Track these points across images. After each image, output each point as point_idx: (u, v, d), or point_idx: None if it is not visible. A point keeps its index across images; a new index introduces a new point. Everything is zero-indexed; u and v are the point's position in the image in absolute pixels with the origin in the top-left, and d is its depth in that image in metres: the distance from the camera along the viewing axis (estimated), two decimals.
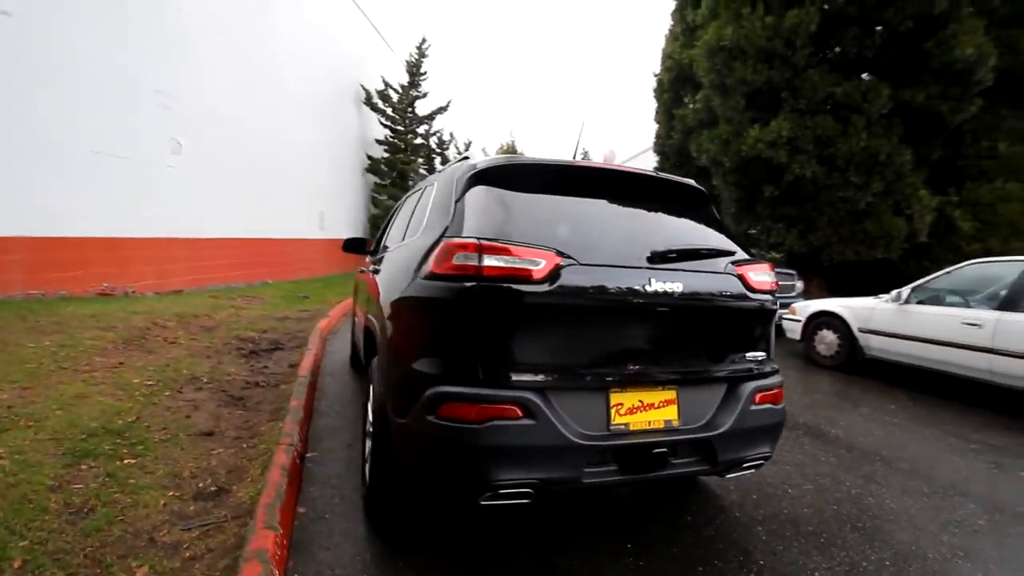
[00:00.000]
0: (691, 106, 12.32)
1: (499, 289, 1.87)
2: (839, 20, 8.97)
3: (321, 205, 13.35)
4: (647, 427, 2.05)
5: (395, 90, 15.51)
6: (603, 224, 2.21)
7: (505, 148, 36.12)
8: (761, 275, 2.33)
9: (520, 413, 1.85)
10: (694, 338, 2.16)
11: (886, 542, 2.55)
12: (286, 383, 4.43)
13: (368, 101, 14.86)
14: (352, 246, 4.69)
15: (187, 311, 7.00)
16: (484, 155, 2.82)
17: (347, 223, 15.03)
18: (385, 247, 3.62)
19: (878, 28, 8.81)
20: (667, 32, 13.87)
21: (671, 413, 2.11)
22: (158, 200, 8.16)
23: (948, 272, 5.35)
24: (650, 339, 2.08)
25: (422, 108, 16.03)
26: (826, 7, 8.91)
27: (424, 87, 16.01)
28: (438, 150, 19.03)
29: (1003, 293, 4.74)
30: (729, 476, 2.26)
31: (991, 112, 9.51)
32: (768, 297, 2.33)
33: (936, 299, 5.32)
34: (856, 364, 5.99)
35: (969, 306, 5.01)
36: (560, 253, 1.95)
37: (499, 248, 1.89)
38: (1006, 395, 4.98)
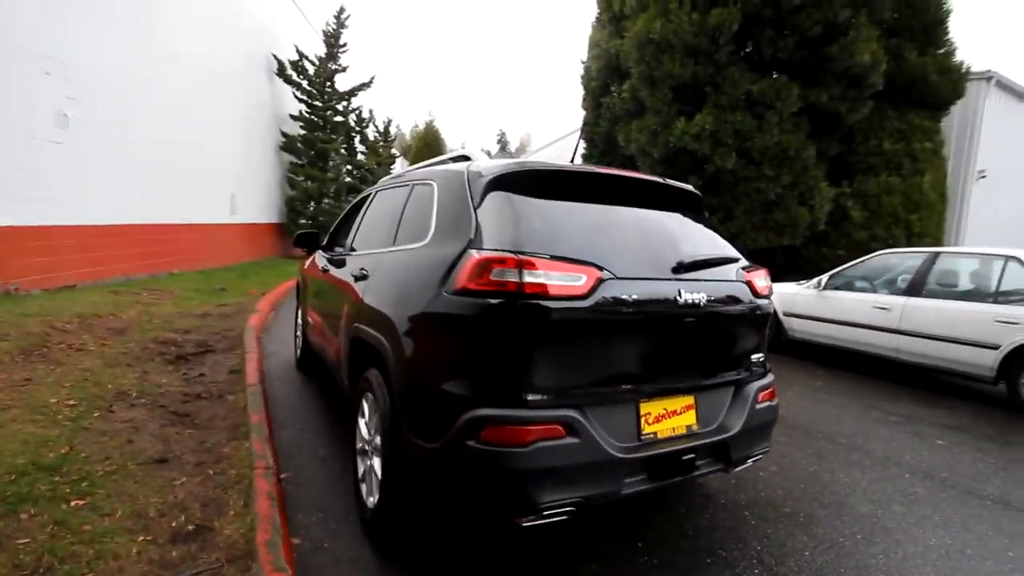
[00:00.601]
0: (619, 95, 12.63)
1: (541, 307, 1.80)
2: (757, 21, 9.56)
3: (232, 186, 12.20)
4: (672, 434, 2.10)
5: (311, 62, 14.40)
6: (626, 234, 2.20)
7: (424, 127, 35.12)
8: (762, 280, 2.45)
9: (563, 432, 1.81)
10: (711, 345, 2.23)
11: (852, 517, 2.83)
12: (232, 393, 4.03)
13: (282, 72, 13.67)
14: (305, 241, 4.33)
15: (88, 311, 6.14)
16: (462, 147, 2.66)
17: (262, 207, 13.90)
18: (353, 248, 3.37)
19: (790, 32, 9.49)
20: (594, 19, 14.05)
21: (691, 419, 2.17)
22: (42, 181, 7.00)
23: (862, 261, 5.98)
24: (676, 348, 2.12)
25: (343, 83, 15.05)
26: (746, 9, 9.44)
27: (344, 60, 15.01)
28: (357, 128, 18.08)
29: (908, 280, 5.39)
30: (733, 471, 2.37)
31: (878, 113, 10.66)
32: (767, 301, 2.46)
33: (850, 285, 5.94)
34: (780, 345, 6.56)
35: (879, 292, 5.65)
36: (598, 267, 1.91)
37: (540, 264, 1.81)
38: (909, 370, 5.70)
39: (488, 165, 2.24)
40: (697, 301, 2.09)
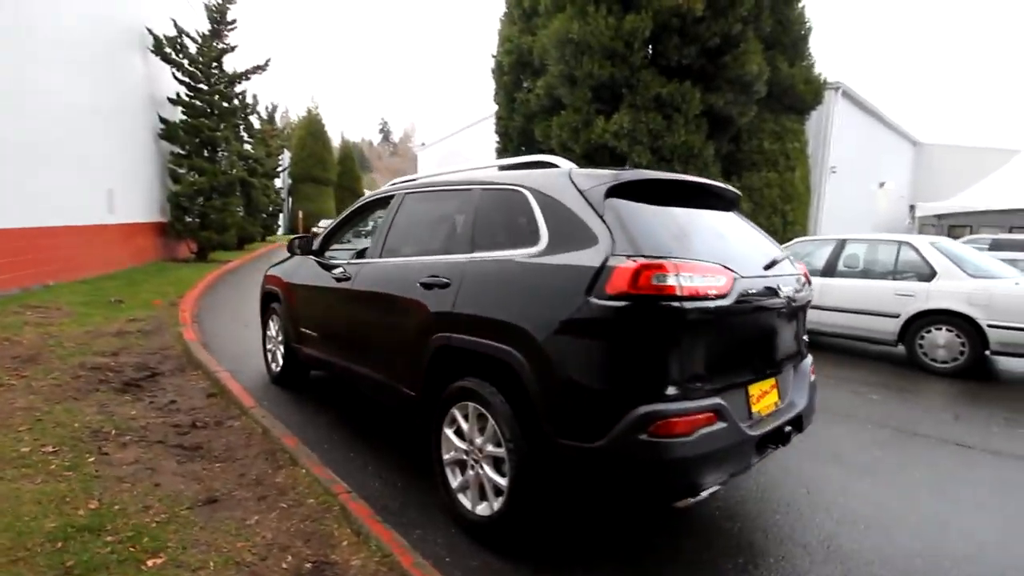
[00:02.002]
0: (533, 92, 12.96)
1: (696, 307, 1.96)
2: (666, 29, 10.40)
3: (108, 181, 10.50)
4: (769, 411, 2.38)
5: (192, 39, 12.75)
6: (717, 235, 2.42)
7: (309, 114, 32.82)
8: (805, 269, 2.83)
9: (715, 418, 2.00)
10: (791, 329, 2.55)
11: (853, 464, 3.37)
12: (232, 418, 3.64)
13: (159, 49, 11.94)
14: (303, 247, 3.99)
15: None
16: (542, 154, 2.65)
17: (142, 204, 12.12)
18: (386, 254, 3.20)
19: (693, 41, 10.47)
20: (503, 14, 14.20)
21: (776, 396, 2.47)
22: None
23: (785, 247, 6.90)
24: (773, 335, 2.40)
25: (233, 65, 13.51)
26: (657, 17, 10.22)
27: (233, 39, 13.49)
28: (242, 115, 16.48)
29: (823, 263, 6.35)
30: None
31: (759, 116, 12.18)
32: (811, 287, 2.85)
33: None
34: None
35: None
36: (727, 268, 2.11)
37: (692, 267, 1.97)
38: (826, 339, 6.73)
39: (597, 173, 2.32)
40: (789, 292, 2.39)
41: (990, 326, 5.11)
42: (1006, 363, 6.09)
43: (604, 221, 2.13)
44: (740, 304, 2.12)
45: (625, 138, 10.62)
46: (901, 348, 5.81)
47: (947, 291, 5.37)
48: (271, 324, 4.71)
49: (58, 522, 2.18)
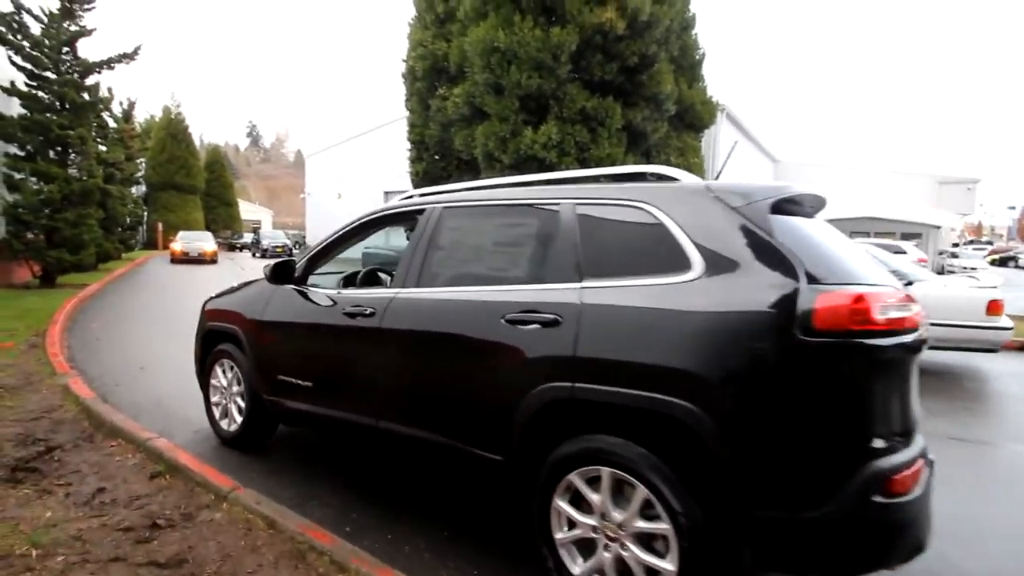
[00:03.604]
0: (450, 99, 12.48)
1: (917, 340, 1.82)
2: (589, 46, 10.59)
3: None
4: None
5: (36, 17, 10.32)
6: (850, 250, 2.21)
7: (168, 113, 28.84)
8: None
9: (925, 462, 1.82)
10: None
11: None
12: (204, 507, 2.74)
13: None
14: (281, 274, 3.17)
15: None
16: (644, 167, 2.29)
17: None
18: (422, 284, 2.61)
19: (615, 59, 10.78)
20: (413, 18, 13.56)
21: None
22: None
23: None
24: None
25: (88, 52, 11.10)
26: (582, 33, 10.36)
27: (90, 21, 11.15)
28: (100, 109, 13.90)
29: None
30: None
31: (667, 134, 12.92)
32: None
33: None
34: None
35: None
36: (905, 292, 1.92)
37: (905, 296, 1.78)
38: None
39: (743, 187, 2.01)
40: None
41: None
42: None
43: (777, 242, 1.83)
44: (915, 327, 1.93)
45: (554, 149, 10.61)
46: None
47: None
48: (219, 372, 3.75)
49: None
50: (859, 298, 1.67)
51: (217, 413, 3.79)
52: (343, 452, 3.62)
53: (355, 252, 3.96)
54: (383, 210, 3.11)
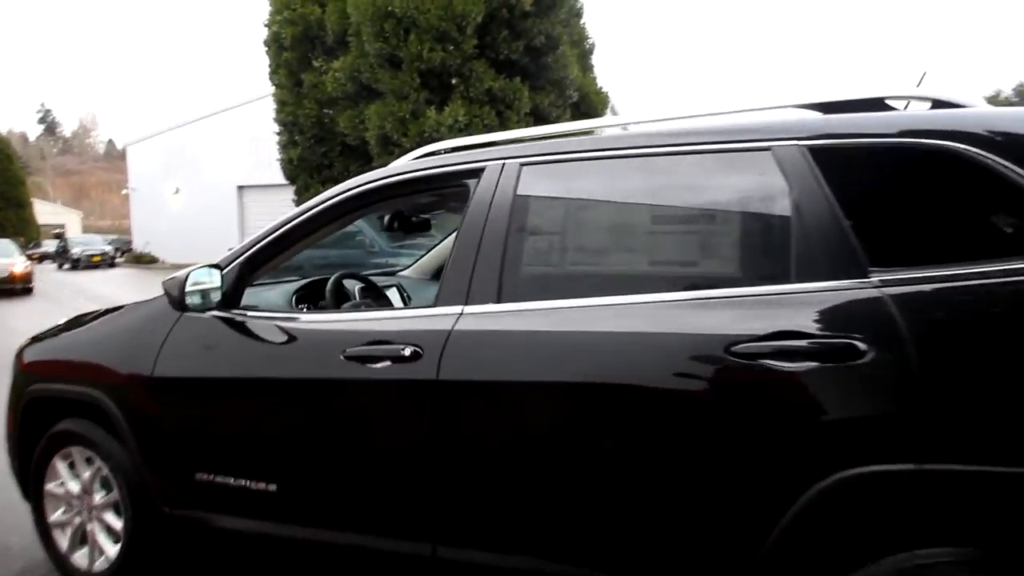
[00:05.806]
0: (329, 73, 10.70)
1: None
2: (495, 19, 9.66)
3: None
4: None
5: None
6: None
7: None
8: None
9: None
10: None
11: None
12: None
13: None
14: (204, 295, 1.74)
15: None
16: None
17: None
18: (521, 295, 1.48)
19: (521, 37, 10.00)
20: None
21: None
22: None
23: None
24: None
25: None
26: (488, 4, 9.39)
27: None
28: None
29: None
30: None
31: (569, 121, 12.57)
32: None
33: None
34: None
35: None
36: None
37: None
38: None
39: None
40: None
41: None
42: None
43: None
44: None
45: (461, 132, 9.51)
46: None
47: None
48: (62, 471, 2.15)
49: None
50: None
51: (64, 541, 2.17)
52: None
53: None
54: (386, 176, 1.84)
